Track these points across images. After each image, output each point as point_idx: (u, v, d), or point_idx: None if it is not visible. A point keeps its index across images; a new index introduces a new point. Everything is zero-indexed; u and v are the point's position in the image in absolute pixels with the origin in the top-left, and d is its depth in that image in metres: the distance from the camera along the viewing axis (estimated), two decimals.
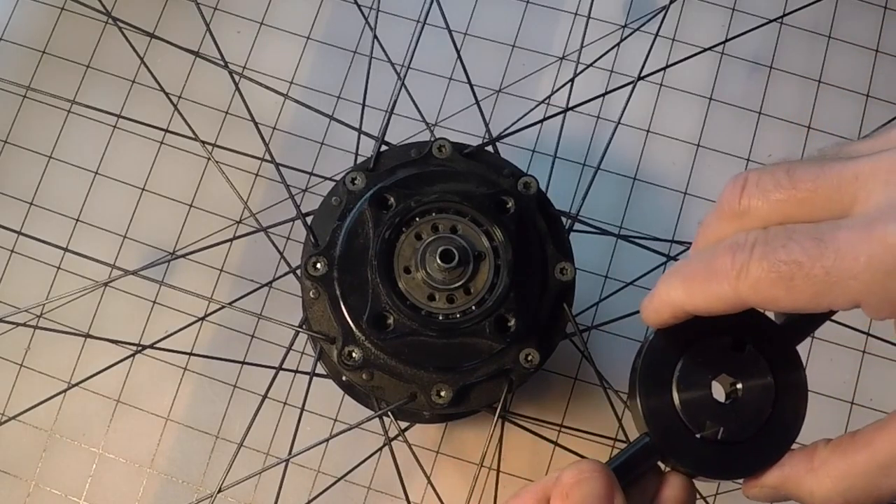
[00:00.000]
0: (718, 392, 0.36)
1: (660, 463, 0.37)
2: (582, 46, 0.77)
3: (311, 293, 0.53)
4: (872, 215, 0.28)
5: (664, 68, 0.67)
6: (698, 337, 0.35)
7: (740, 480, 0.37)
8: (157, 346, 0.61)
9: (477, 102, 0.62)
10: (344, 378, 0.58)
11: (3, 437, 0.72)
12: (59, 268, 0.76)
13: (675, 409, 0.35)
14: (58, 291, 0.75)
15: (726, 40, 0.75)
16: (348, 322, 0.52)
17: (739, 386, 0.35)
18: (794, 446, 0.35)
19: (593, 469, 0.35)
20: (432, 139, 0.56)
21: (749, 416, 0.35)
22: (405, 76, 0.61)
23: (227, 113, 0.79)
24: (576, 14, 0.80)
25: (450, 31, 0.64)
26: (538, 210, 0.55)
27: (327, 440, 0.67)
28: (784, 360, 0.35)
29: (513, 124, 0.63)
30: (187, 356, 0.73)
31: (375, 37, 0.64)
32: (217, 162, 0.60)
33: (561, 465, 0.78)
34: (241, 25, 0.81)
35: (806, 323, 0.36)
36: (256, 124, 0.60)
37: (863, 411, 0.72)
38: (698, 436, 0.35)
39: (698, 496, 0.61)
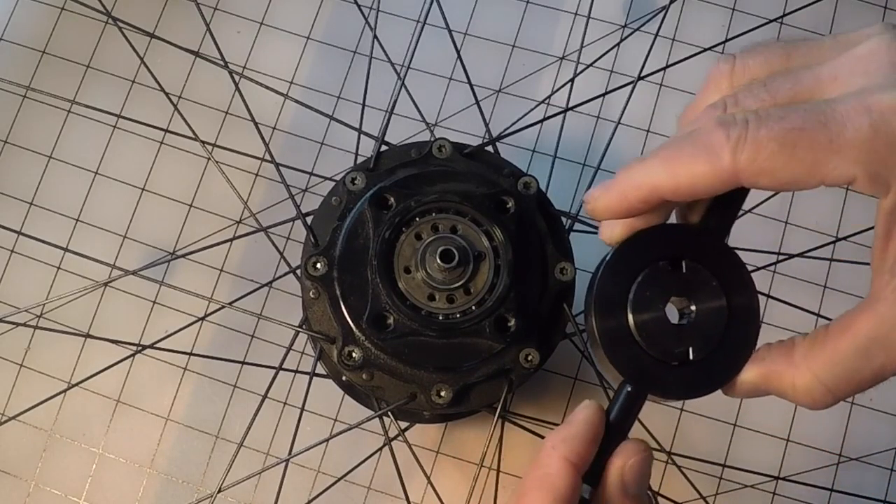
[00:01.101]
0: (674, 316, 0.36)
1: None
2: (582, 46, 0.77)
3: (311, 293, 0.53)
4: (863, 92, 0.29)
5: (664, 68, 0.67)
6: (638, 269, 0.35)
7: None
8: (157, 346, 0.61)
9: (477, 102, 0.62)
10: (344, 378, 0.58)
11: (3, 437, 0.72)
12: (59, 268, 0.76)
13: (637, 343, 0.35)
14: (58, 291, 0.75)
15: (726, 40, 0.75)
16: (348, 322, 0.52)
17: (693, 307, 0.35)
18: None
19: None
20: (432, 139, 0.56)
21: (709, 328, 0.35)
22: (405, 76, 0.61)
23: (227, 113, 0.79)
24: (576, 14, 0.80)
25: (450, 31, 0.64)
26: (538, 210, 0.55)
27: (327, 440, 0.67)
28: (723, 263, 0.36)
29: (513, 124, 0.63)
30: (187, 356, 0.73)
31: (375, 37, 0.64)
32: (217, 162, 0.60)
33: None
34: (241, 25, 0.81)
35: (724, 212, 0.36)
36: (256, 124, 0.60)
37: (863, 411, 0.72)
38: (673, 363, 0.35)
39: (697, 496, 0.61)
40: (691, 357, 0.35)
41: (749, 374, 0.35)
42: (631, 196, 0.33)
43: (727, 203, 0.36)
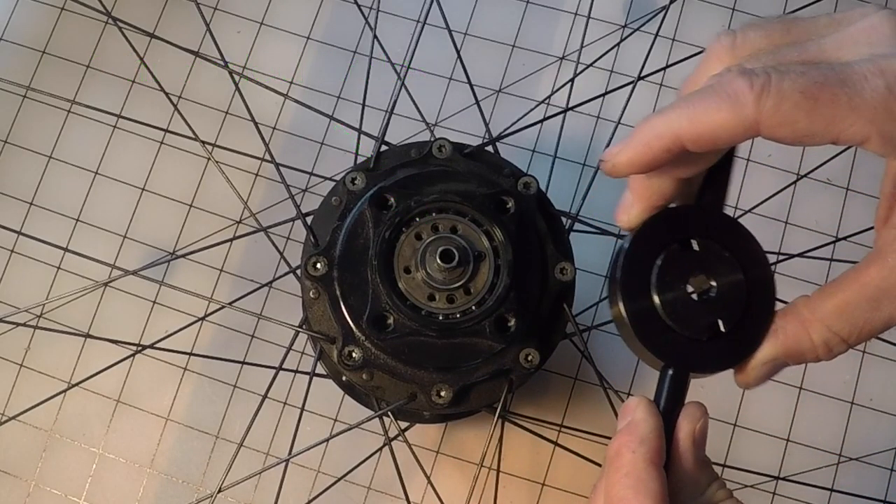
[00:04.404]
0: (695, 296, 0.37)
1: None
2: (582, 46, 0.77)
3: (311, 293, 0.53)
4: (875, 57, 0.30)
5: (664, 68, 0.67)
6: (655, 254, 0.36)
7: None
8: (157, 346, 0.61)
9: (477, 102, 0.62)
10: (344, 378, 0.58)
11: (3, 437, 0.72)
12: (59, 268, 0.76)
13: (668, 325, 0.35)
14: (58, 291, 0.75)
15: None
16: (348, 322, 0.52)
17: (713, 282, 0.36)
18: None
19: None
20: (432, 139, 0.56)
21: (732, 297, 0.36)
22: (405, 76, 0.61)
23: (227, 113, 0.79)
24: (576, 14, 0.80)
25: (450, 31, 0.64)
26: (538, 210, 0.55)
27: (327, 440, 0.67)
28: (730, 234, 0.36)
29: (513, 124, 0.63)
30: (187, 356, 0.73)
31: (375, 37, 0.64)
32: (217, 162, 0.60)
33: (561, 465, 0.78)
34: (241, 25, 0.81)
35: (717, 186, 0.37)
36: (256, 124, 0.60)
37: (863, 411, 0.72)
38: (704, 339, 0.36)
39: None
40: (722, 329, 0.35)
41: (767, 350, 0.35)
42: (655, 146, 0.33)
43: (719, 175, 0.37)
